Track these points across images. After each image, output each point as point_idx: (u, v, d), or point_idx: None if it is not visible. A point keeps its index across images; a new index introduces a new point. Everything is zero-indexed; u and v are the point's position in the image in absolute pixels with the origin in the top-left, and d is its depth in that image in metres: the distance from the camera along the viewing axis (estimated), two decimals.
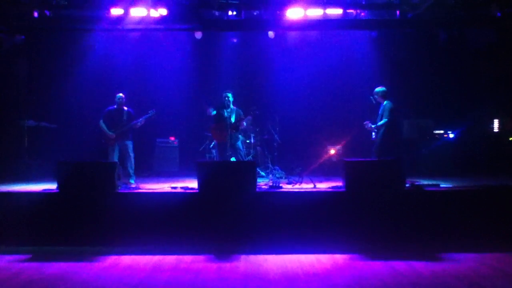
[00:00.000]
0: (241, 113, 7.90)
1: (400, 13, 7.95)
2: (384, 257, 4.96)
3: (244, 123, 7.81)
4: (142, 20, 7.88)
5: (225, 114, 7.79)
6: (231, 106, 7.90)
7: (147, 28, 8.24)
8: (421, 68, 10.31)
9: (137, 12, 7.90)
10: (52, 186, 6.13)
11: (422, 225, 5.57)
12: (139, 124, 7.74)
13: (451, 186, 6.42)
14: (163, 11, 7.87)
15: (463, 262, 4.76)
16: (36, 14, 7.58)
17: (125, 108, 7.88)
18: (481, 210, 5.64)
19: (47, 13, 7.68)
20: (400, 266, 4.59)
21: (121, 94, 7.84)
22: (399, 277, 4.20)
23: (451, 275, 4.27)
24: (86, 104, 9.89)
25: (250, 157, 9.10)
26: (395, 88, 10.23)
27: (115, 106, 7.82)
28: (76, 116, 10.02)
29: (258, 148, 9.77)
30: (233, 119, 7.83)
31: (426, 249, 5.24)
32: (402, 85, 10.40)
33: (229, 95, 7.88)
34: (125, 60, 10.69)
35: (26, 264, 4.84)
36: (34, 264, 4.80)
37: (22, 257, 5.09)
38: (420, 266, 4.58)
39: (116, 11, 7.89)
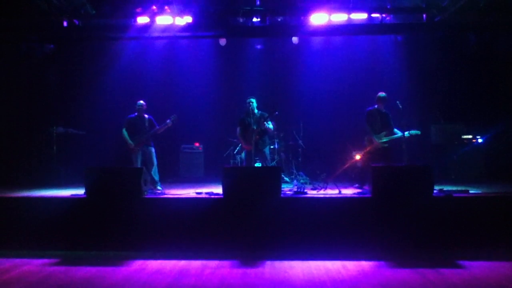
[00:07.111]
0: (265, 114, 7.67)
1: (427, 16, 7.80)
2: (412, 264, 4.85)
3: (271, 126, 7.68)
4: (167, 28, 8.00)
5: (250, 121, 7.73)
6: (256, 111, 7.84)
7: (173, 35, 8.34)
8: (450, 72, 10.11)
9: (163, 20, 8.02)
10: (80, 191, 6.25)
11: (451, 232, 5.43)
12: (160, 130, 7.80)
13: (480, 192, 6.25)
14: (188, 19, 7.96)
15: (495, 270, 4.61)
16: (65, 24, 7.76)
17: (146, 115, 7.95)
18: None
19: (76, 22, 7.86)
20: (429, 273, 4.48)
21: (141, 102, 7.91)
22: (429, 285, 4.10)
23: (483, 283, 4.15)
24: (113, 110, 10.06)
25: (274, 163, 9.07)
26: (422, 92, 10.11)
27: (136, 114, 7.90)
28: (104, 122, 10.20)
29: (282, 154, 9.73)
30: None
31: (456, 257, 5.10)
32: (430, 90, 10.24)
33: (253, 100, 7.83)
34: (151, 68, 10.90)
35: (54, 268, 4.91)
36: (63, 268, 4.87)
37: (51, 261, 5.18)
38: (450, 274, 4.46)
39: (142, 20, 8.03)
